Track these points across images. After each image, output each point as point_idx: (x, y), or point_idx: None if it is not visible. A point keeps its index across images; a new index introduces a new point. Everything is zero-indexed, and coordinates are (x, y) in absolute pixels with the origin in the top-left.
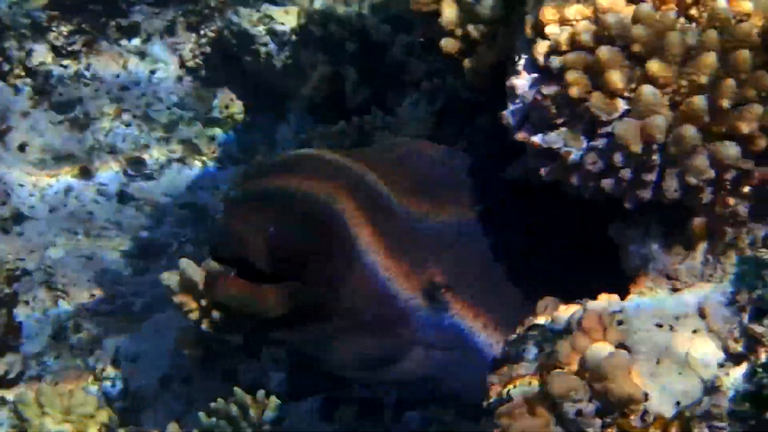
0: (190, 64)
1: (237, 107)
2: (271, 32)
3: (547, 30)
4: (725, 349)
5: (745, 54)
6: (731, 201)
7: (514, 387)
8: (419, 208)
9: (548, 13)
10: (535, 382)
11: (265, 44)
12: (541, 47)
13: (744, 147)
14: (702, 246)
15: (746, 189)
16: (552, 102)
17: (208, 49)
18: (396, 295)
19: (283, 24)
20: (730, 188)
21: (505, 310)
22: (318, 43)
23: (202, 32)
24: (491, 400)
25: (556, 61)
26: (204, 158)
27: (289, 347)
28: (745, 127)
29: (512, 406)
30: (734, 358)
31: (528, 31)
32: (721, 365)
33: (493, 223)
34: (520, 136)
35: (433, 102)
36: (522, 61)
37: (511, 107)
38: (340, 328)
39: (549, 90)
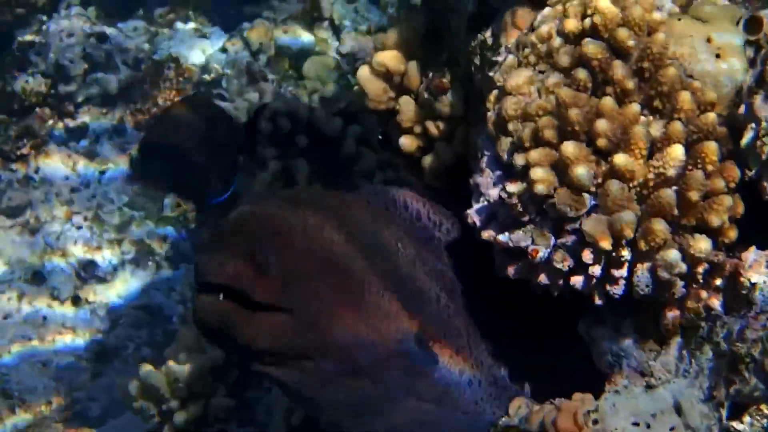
0: None
1: (189, 205)
2: None
3: (510, 126)
4: None
5: (712, 145)
6: (704, 294)
7: None
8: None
9: (510, 108)
10: None
11: None
12: (504, 144)
13: (714, 239)
14: (676, 341)
15: (718, 281)
16: (517, 200)
17: None
18: (394, 334)
19: None
20: (702, 281)
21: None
22: (268, 139)
23: None
24: None
25: (520, 159)
26: (157, 258)
27: (276, 383)
28: (715, 220)
29: None
30: None
31: (490, 127)
32: None
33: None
34: (486, 234)
35: None
36: (485, 159)
37: (475, 206)
38: (333, 370)
39: (514, 188)
